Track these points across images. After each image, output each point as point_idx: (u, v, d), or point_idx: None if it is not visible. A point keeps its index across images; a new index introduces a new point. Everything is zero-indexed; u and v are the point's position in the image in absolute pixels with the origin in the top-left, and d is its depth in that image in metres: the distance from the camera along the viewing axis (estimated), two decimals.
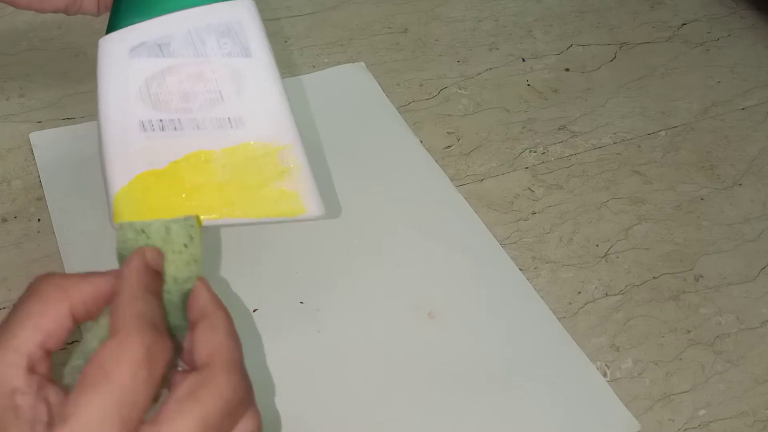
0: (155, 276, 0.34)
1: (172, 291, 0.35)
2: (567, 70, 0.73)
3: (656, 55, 0.76)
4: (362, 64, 0.69)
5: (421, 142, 0.63)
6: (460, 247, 0.55)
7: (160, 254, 0.36)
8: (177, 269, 0.36)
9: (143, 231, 0.36)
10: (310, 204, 0.40)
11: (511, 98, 0.69)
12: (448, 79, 0.70)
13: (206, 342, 0.32)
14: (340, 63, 0.69)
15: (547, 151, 0.65)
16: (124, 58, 0.39)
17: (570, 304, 0.54)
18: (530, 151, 0.64)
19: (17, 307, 0.31)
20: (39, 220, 0.54)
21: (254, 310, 0.50)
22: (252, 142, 0.39)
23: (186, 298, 0.35)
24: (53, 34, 0.68)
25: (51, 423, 0.28)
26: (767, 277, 0.57)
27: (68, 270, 0.50)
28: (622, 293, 0.55)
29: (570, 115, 0.68)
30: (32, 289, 0.31)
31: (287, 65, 0.68)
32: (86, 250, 0.52)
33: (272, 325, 0.49)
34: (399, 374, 0.48)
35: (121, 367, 0.29)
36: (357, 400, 0.47)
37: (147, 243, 0.36)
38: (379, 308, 0.51)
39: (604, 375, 0.50)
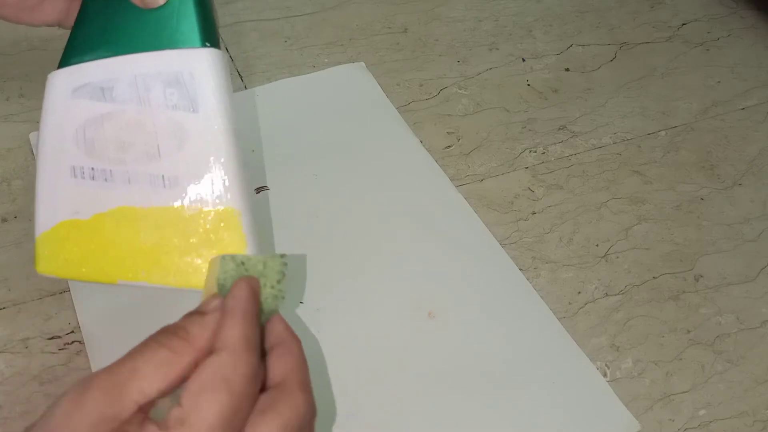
0: (257, 305, 0.36)
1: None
2: (567, 70, 0.73)
3: (656, 55, 0.76)
4: (362, 64, 0.69)
5: (421, 142, 0.63)
6: (460, 247, 0.55)
7: (258, 285, 0.37)
8: (265, 302, 0.36)
9: (243, 264, 0.36)
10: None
11: (511, 98, 0.69)
12: (448, 79, 0.70)
13: (281, 364, 0.34)
14: (340, 63, 0.69)
15: (547, 151, 0.65)
16: (67, 97, 0.37)
17: (570, 304, 0.54)
18: (530, 151, 0.64)
19: (144, 354, 0.32)
20: None
21: None
22: (184, 206, 0.37)
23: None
24: (53, 34, 0.68)
25: (166, 426, 0.29)
26: (767, 277, 0.57)
27: None
28: (622, 293, 0.55)
29: (570, 115, 0.68)
30: (160, 340, 0.32)
31: (287, 65, 0.68)
32: None
33: None
34: (399, 374, 0.48)
35: (238, 378, 0.31)
36: (357, 400, 0.47)
37: (245, 274, 0.36)
38: (379, 308, 0.51)
39: (604, 375, 0.50)
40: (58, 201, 0.37)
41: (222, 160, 0.37)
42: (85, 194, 0.37)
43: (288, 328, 0.36)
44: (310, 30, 0.73)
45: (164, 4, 0.37)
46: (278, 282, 0.37)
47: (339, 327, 0.50)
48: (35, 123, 0.60)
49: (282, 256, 0.37)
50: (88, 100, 0.37)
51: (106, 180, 0.37)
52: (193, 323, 0.33)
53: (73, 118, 0.37)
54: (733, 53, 0.77)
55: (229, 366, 0.31)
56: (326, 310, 0.51)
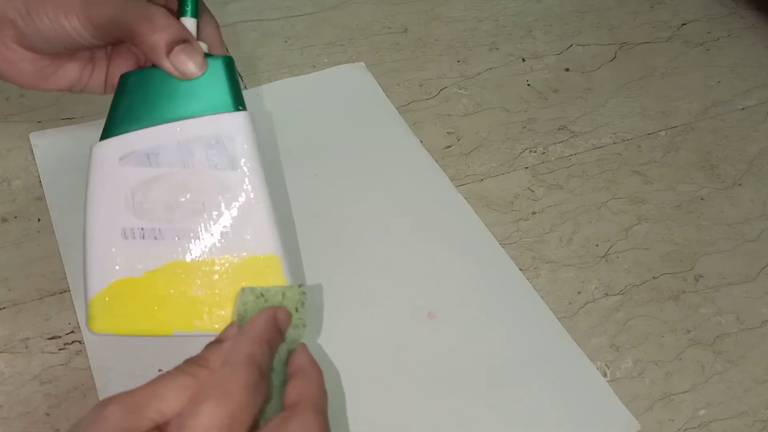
0: (277, 332, 0.37)
1: (281, 350, 0.38)
2: (567, 70, 0.73)
3: (656, 55, 0.76)
4: (362, 64, 0.69)
5: (421, 142, 0.63)
6: (460, 247, 0.55)
7: (289, 316, 0.38)
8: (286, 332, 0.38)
9: (262, 295, 0.38)
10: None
11: (511, 98, 0.69)
12: (448, 79, 0.70)
13: (298, 389, 0.35)
14: (340, 63, 0.69)
15: (547, 151, 0.65)
16: (114, 165, 0.40)
17: (570, 304, 0.54)
18: (530, 151, 0.64)
19: (170, 380, 0.33)
20: (39, 220, 0.54)
21: None
22: (231, 256, 0.40)
23: (286, 359, 0.37)
24: None
25: (163, 428, 0.31)
26: (767, 277, 0.57)
27: (68, 269, 0.50)
28: (622, 293, 0.55)
29: (570, 115, 0.68)
30: (183, 369, 0.33)
31: (287, 65, 0.68)
32: None
33: None
34: (399, 374, 0.48)
35: (236, 387, 0.32)
36: (357, 400, 0.47)
37: (265, 305, 0.38)
38: (379, 308, 0.51)
39: (604, 375, 0.50)
40: (110, 262, 0.40)
41: (261, 211, 0.40)
42: (136, 253, 0.39)
43: (311, 358, 0.37)
44: (310, 30, 0.73)
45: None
46: (297, 311, 0.39)
47: (339, 327, 0.50)
48: (35, 123, 0.60)
49: (300, 285, 0.39)
50: (134, 167, 0.39)
51: (155, 238, 0.39)
52: (213, 351, 0.34)
53: (122, 184, 0.40)
54: (733, 53, 0.77)
55: (228, 377, 0.32)
56: (326, 309, 0.51)
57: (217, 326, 0.40)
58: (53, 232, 0.53)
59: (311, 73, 0.68)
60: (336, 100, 0.65)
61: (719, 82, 0.74)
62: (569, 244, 0.58)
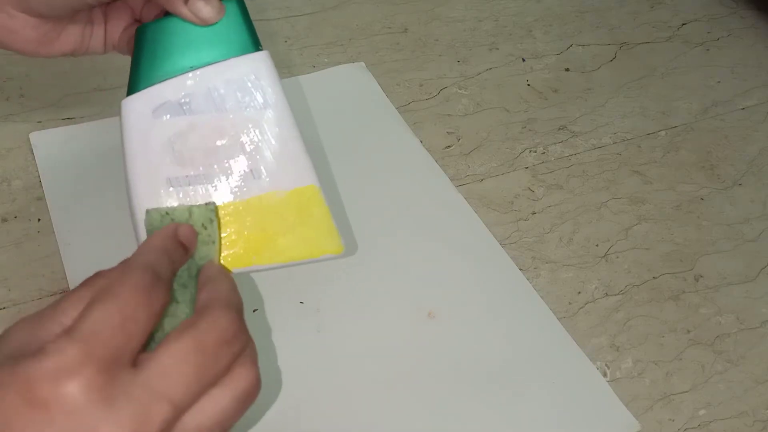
0: (178, 245, 0.37)
1: (191, 267, 0.38)
2: (567, 70, 0.73)
3: (656, 55, 0.76)
4: (362, 64, 0.69)
5: (421, 142, 0.63)
6: (460, 247, 0.55)
7: (193, 232, 0.38)
8: (196, 248, 0.39)
9: (168, 214, 0.39)
10: (331, 244, 0.42)
11: (511, 98, 0.69)
12: (448, 79, 0.70)
13: (207, 294, 0.35)
14: (340, 63, 0.69)
15: (547, 151, 0.65)
16: (148, 118, 0.40)
17: (570, 304, 0.54)
18: (530, 151, 0.64)
19: (68, 294, 0.33)
20: (39, 220, 0.54)
21: (254, 310, 0.50)
22: (275, 191, 0.41)
23: (197, 275, 0.38)
24: None
25: (58, 334, 0.30)
26: (767, 277, 0.57)
27: (68, 269, 0.50)
28: (622, 293, 0.55)
29: (570, 115, 0.68)
30: (85, 281, 0.33)
31: (287, 65, 0.68)
32: (86, 250, 0.52)
33: (272, 325, 0.49)
34: (399, 374, 0.48)
35: (126, 288, 0.31)
36: (357, 400, 0.47)
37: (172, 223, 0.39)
38: (379, 308, 0.51)
39: (604, 375, 0.50)
40: (161, 203, 0.40)
41: (295, 144, 0.41)
42: (185, 201, 0.40)
43: (219, 268, 0.38)
44: (310, 30, 0.73)
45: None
46: (205, 228, 0.39)
47: (339, 327, 0.50)
48: (35, 123, 0.60)
49: (208, 203, 0.40)
50: (169, 117, 0.40)
51: (201, 184, 0.40)
52: (116, 266, 0.34)
53: (159, 135, 0.40)
54: (733, 53, 0.77)
55: (118, 279, 0.32)
56: (326, 310, 0.51)
57: (272, 259, 0.41)
58: (53, 232, 0.53)
59: (311, 73, 0.68)
60: (336, 100, 0.65)
61: (719, 82, 0.74)
62: (569, 244, 0.58)
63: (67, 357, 0.29)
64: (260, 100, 0.41)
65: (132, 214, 0.41)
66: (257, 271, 0.42)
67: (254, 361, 0.34)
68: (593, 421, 0.47)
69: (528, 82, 0.71)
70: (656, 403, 0.49)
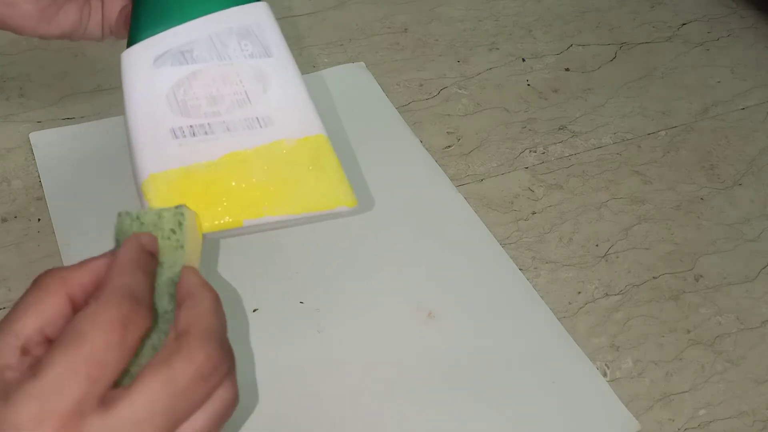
0: (148, 256, 0.35)
1: (159, 274, 0.36)
2: (567, 70, 0.73)
3: (656, 55, 0.76)
4: (362, 64, 0.69)
5: (421, 142, 0.63)
6: (460, 247, 0.55)
7: (153, 238, 0.36)
8: (164, 255, 0.36)
9: (138, 218, 0.37)
10: (345, 196, 0.41)
11: (511, 98, 0.69)
12: (448, 79, 0.70)
13: (186, 316, 0.33)
14: (340, 63, 0.69)
15: (547, 151, 0.65)
16: (149, 68, 0.39)
17: (570, 304, 0.54)
18: (530, 151, 0.64)
19: (21, 298, 0.32)
20: (39, 220, 0.54)
21: (254, 310, 0.50)
22: (283, 139, 0.40)
23: (171, 282, 0.36)
24: None
25: (22, 380, 0.29)
26: (767, 277, 0.57)
27: None
28: (622, 293, 0.55)
29: (570, 115, 0.68)
30: (34, 282, 0.33)
31: None
32: (86, 250, 0.51)
33: (272, 325, 0.49)
34: (399, 374, 0.48)
35: (95, 329, 0.30)
36: (357, 400, 0.47)
37: (141, 229, 0.37)
38: (379, 308, 0.51)
39: (604, 375, 0.50)
40: (166, 162, 0.39)
41: (301, 92, 0.41)
42: (191, 150, 0.39)
43: (200, 279, 0.35)
44: (310, 30, 0.73)
45: None
46: (173, 232, 0.37)
47: (339, 327, 0.50)
48: (35, 123, 0.60)
49: (177, 206, 0.38)
50: (171, 66, 0.39)
51: (206, 133, 0.39)
52: (73, 265, 0.33)
53: (161, 84, 0.39)
54: (733, 53, 0.77)
55: (88, 317, 0.30)
56: (326, 310, 0.51)
57: (284, 210, 0.40)
58: (53, 232, 0.53)
59: (311, 73, 0.68)
60: (336, 100, 0.65)
61: (719, 82, 0.74)
62: (569, 244, 0.58)
63: (29, 414, 0.28)
64: (263, 48, 0.40)
65: (134, 175, 0.39)
66: (270, 225, 0.40)
67: (233, 381, 0.33)
68: (593, 421, 0.47)
69: (528, 82, 0.71)
70: (656, 403, 0.49)
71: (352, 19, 0.75)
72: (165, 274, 0.36)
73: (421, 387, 0.48)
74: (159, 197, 0.39)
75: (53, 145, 0.58)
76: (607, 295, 0.55)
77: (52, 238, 0.52)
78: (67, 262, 0.51)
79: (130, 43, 0.40)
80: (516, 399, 0.48)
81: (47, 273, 0.33)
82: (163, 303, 0.35)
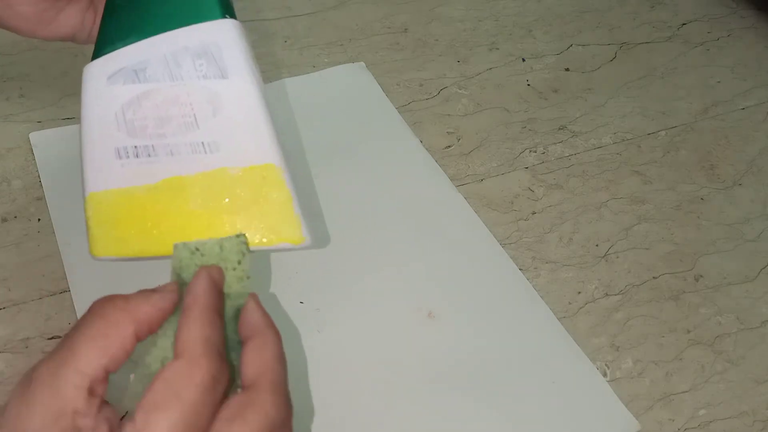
0: (220, 297, 0.34)
1: (226, 308, 0.35)
2: (567, 70, 0.73)
3: (656, 55, 0.76)
4: (362, 64, 0.69)
5: (421, 142, 0.63)
6: (460, 247, 0.55)
7: (222, 273, 0.35)
8: (229, 286, 0.36)
9: (198, 250, 0.36)
10: (290, 232, 0.38)
11: (511, 98, 0.69)
12: (448, 79, 0.70)
13: (254, 362, 0.32)
14: (340, 63, 0.69)
15: (547, 151, 0.65)
16: (103, 84, 0.38)
17: (570, 304, 0.54)
18: (530, 151, 0.64)
19: (80, 328, 0.31)
20: (39, 220, 0.54)
21: None
22: (227, 167, 0.38)
23: (238, 313, 0.35)
24: None
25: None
26: (767, 277, 0.57)
27: (68, 269, 0.50)
28: (622, 293, 0.55)
29: (570, 115, 0.68)
30: (96, 311, 0.31)
31: (287, 65, 0.68)
32: (86, 250, 0.51)
33: None
34: (399, 374, 0.48)
35: (191, 389, 0.29)
36: (357, 400, 0.47)
37: (203, 261, 0.36)
38: (379, 308, 0.51)
39: (604, 375, 0.50)
40: (108, 182, 0.38)
41: (255, 118, 0.38)
42: (131, 172, 0.38)
43: (264, 316, 0.34)
44: (310, 30, 0.73)
45: None
46: (239, 263, 0.36)
47: (339, 327, 0.50)
48: (35, 123, 0.60)
49: (239, 236, 0.37)
50: (123, 84, 0.38)
51: (149, 155, 0.38)
52: (136, 295, 0.32)
53: (112, 103, 0.38)
54: (733, 53, 0.77)
55: (184, 377, 0.30)
56: (326, 310, 0.51)
57: (216, 236, 0.38)
58: (53, 232, 0.53)
59: (311, 73, 0.68)
60: (336, 100, 0.65)
61: (719, 82, 0.74)
62: (569, 244, 0.58)
63: None
64: (219, 69, 0.38)
65: (82, 188, 0.39)
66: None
67: (291, 430, 0.33)
68: (593, 421, 0.47)
69: (528, 82, 0.71)
70: (656, 403, 0.49)
71: (352, 19, 0.75)
72: (233, 306, 0.35)
73: (421, 387, 0.48)
74: (97, 217, 0.39)
75: (53, 145, 0.58)
76: (607, 295, 0.55)
77: (52, 238, 0.52)
78: (67, 262, 0.51)
79: (94, 55, 0.39)
80: (516, 399, 0.48)
81: (109, 302, 0.32)
82: (229, 332, 0.35)
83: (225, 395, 0.31)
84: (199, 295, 0.33)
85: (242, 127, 0.38)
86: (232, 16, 0.39)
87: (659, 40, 0.77)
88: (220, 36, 0.38)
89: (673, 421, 0.48)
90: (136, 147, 0.38)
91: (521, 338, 0.51)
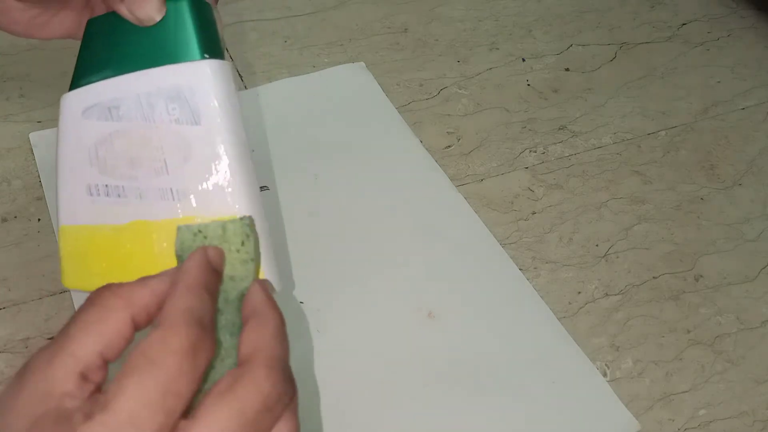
0: (213, 274, 0.34)
1: (229, 290, 0.35)
2: (567, 70, 0.73)
3: (656, 55, 0.76)
4: (362, 64, 0.69)
5: (421, 142, 0.63)
6: (460, 247, 0.55)
7: (221, 254, 0.35)
8: (233, 268, 0.35)
9: (200, 231, 0.36)
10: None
11: (511, 98, 0.69)
12: (448, 79, 0.70)
13: (250, 339, 0.31)
14: (340, 63, 0.69)
15: (547, 151, 0.65)
16: (78, 118, 0.38)
17: (570, 304, 0.54)
18: (530, 151, 0.64)
19: (77, 316, 0.30)
20: (39, 220, 0.54)
21: None
22: (194, 216, 0.37)
23: (242, 297, 0.35)
24: None
25: (90, 413, 0.27)
26: (767, 277, 0.57)
27: None
28: (622, 293, 0.55)
29: (570, 115, 0.68)
30: (93, 299, 0.31)
31: (287, 65, 0.68)
32: None
33: None
34: (399, 374, 0.48)
35: (167, 356, 0.28)
36: (357, 400, 0.47)
37: (204, 243, 0.36)
38: (379, 308, 0.51)
39: (604, 375, 0.50)
40: (78, 218, 0.38)
41: (226, 168, 0.36)
42: (101, 210, 0.37)
43: (267, 298, 0.33)
44: (310, 30, 0.73)
45: (161, 20, 0.37)
46: (243, 244, 0.35)
47: (339, 327, 0.50)
48: (35, 123, 0.60)
49: (242, 217, 0.36)
50: (96, 120, 0.37)
51: (119, 196, 0.37)
52: (134, 282, 0.32)
53: (85, 137, 0.38)
54: (733, 53, 0.77)
55: (159, 344, 0.28)
56: (326, 310, 0.51)
57: None
58: (53, 232, 0.53)
59: (311, 73, 0.68)
60: (336, 100, 0.65)
61: (719, 82, 0.74)
62: (569, 244, 0.58)
63: None
64: (191, 114, 0.36)
65: (56, 218, 0.39)
66: None
67: (294, 413, 0.32)
68: (593, 421, 0.47)
69: (528, 82, 0.71)
70: (656, 403, 0.49)
71: (352, 19, 0.75)
72: (236, 289, 0.35)
73: (421, 387, 0.48)
74: (68, 250, 0.38)
75: (53, 145, 0.58)
76: (607, 295, 0.55)
77: (52, 238, 0.52)
78: None
79: (71, 86, 0.38)
80: (516, 399, 0.48)
81: (107, 290, 0.31)
82: (233, 316, 0.34)
83: (207, 368, 0.30)
84: (189, 270, 0.32)
85: (211, 177, 0.37)
86: (215, 54, 0.37)
87: (659, 40, 0.77)
88: (194, 79, 0.37)
89: (673, 421, 0.48)
90: (107, 186, 0.37)
91: (521, 338, 0.51)
